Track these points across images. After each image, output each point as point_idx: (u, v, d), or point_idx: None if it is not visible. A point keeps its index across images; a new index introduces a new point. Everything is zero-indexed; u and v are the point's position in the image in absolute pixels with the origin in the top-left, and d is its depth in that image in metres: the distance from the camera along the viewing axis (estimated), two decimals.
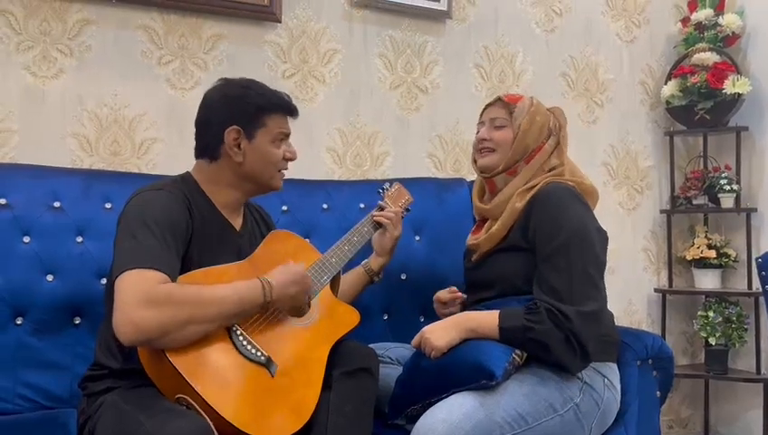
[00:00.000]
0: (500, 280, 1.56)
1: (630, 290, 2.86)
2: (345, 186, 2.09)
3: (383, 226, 1.71)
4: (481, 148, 1.65)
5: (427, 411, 1.35)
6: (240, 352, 1.27)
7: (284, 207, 1.93)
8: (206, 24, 2.10)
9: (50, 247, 1.62)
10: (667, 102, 2.85)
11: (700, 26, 2.81)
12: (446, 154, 2.49)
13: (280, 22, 2.19)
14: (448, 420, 1.30)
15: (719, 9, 2.81)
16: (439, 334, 1.44)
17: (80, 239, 1.66)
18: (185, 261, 1.33)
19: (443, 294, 1.72)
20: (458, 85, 2.51)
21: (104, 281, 1.58)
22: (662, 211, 2.92)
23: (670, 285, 2.91)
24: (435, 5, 2.42)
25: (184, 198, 1.38)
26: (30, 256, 1.60)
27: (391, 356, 1.70)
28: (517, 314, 1.43)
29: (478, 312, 1.50)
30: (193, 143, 1.48)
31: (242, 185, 1.46)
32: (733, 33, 2.77)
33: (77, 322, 1.63)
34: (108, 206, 1.70)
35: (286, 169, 1.50)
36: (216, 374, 1.23)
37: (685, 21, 2.89)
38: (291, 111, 1.49)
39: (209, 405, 1.17)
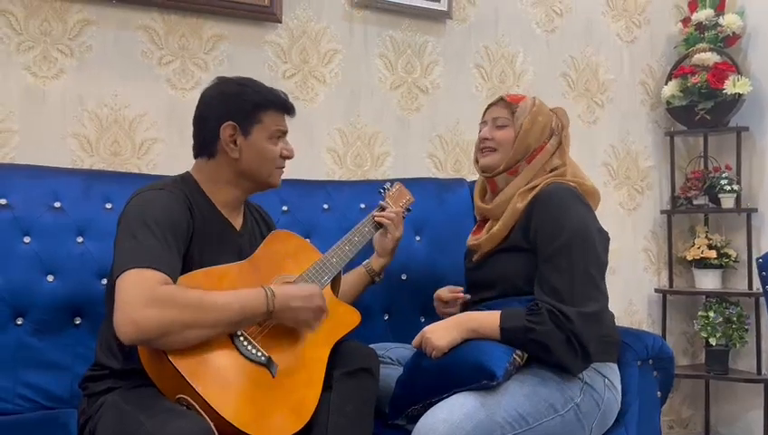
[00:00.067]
0: (501, 280, 1.56)
1: (631, 290, 2.86)
2: (345, 186, 2.09)
3: (384, 226, 1.71)
4: (483, 147, 1.65)
5: (428, 411, 1.35)
6: (241, 353, 1.27)
7: (285, 208, 1.93)
8: (206, 24, 2.10)
9: (50, 248, 1.62)
10: (668, 103, 2.85)
11: (701, 26, 2.81)
12: (446, 154, 2.49)
13: (280, 22, 2.19)
14: (449, 420, 1.30)
15: (719, 9, 2.81)
16: (440, 334, 1.44)
17: (80, 239, 1.66)
18: (186, 261, 1.33)
19: (443, 292, 1.72)
20: (459, 85, 2.51)
21: (105, 281, 1.58)
22: (662, 211, 2.92)
23: (671, 285, 2.90)
24: (435, 6, 2.42)
25: (184, 198, 1.38)
26: (30, 256, 1.60)
27: (392, 356, 1.70)
28: (518, 314, 1.43)
29: (479, 312, 1.50)
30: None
31: (240, 182, 1.45)
32: (733, 33, 2.77)
33: (77, 322, 1.63)
34: (108, 206, 1.70)
35: (284, 166, 1.50)
36: (217, 375, 1.23)
37: (685, 21, 2.89)
38: (287, 108, 1.49)
39: (210, 405, 1.17)
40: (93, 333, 1.47)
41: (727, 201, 2.74)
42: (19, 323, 1.58)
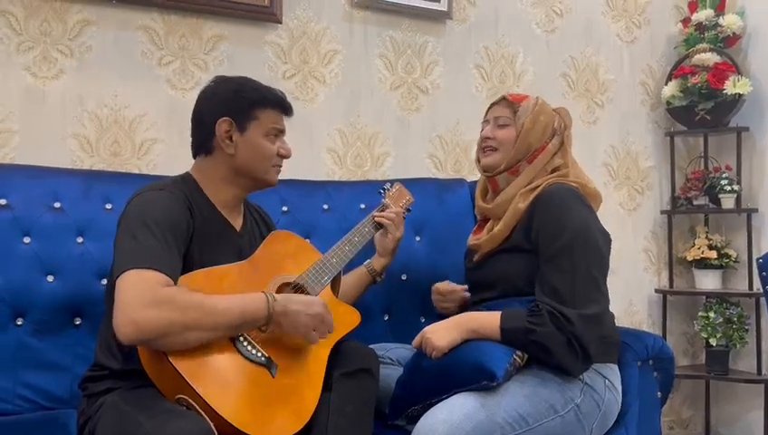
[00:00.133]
0: (502, 281, 1.56)
1: (631, 291, 2.86)
2: (345, 186, 2.09)
3: (385, 226, 1.71)
4: (484, 146, 1.65)
5: (428, 412, 1.35)
6: (241, 353, 1.27)
7: (285, 208, 1.93)
8: (206, 24, 2.10)
9: (50, 248, 1.62)
10: (668, 103, 2.85)
11: (701, 27, 2.81)
12: (446, 154, 2.49)
13: (280, 22, 2.19)
14: (449, 420, 1.30)
15: (720, 10, 2.81)
16: (441, 335, 1.44)
17: (80, 240, 1.66)
18: (185, 261, 1.33)
19: (442, 285, 1.72)
20: (459, 86, 2.51)
21: (104, 282, 1.58)
22: (663, 212, 2.92)
23: (671, 285, 2.90)
24: (435, 6, 2.42)
25: (184, 199, 1.37)
26: (30, 256, 1.60)
27: (392, 357, 1.69)
28: (519, 315, 1.43)
29: (480, 312, 1.50)
30: None
31: (237, 180, 1.45)
32: (733, 33, 2.77)
33: (77, 322, 1.63)
34: (108, 206, 1.70)
35: (281, 165, 1.50)
36: (217, 375, 1.22)
37: (685, 21, 2.89)
38: (285, 107, 1.49)
39: (210, 406, 1.16)
40: (93, 334, 1.47)
41: (727, 201, 2.74)
42: (19, 323, 1.58)
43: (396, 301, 1.98)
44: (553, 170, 1.61)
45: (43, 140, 1.89)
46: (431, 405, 1.37)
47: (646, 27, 2.92)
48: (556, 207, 1.50)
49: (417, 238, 2.05)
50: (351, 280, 1.71)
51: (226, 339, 1.27)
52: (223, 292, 1.30)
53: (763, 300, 2.59)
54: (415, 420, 1.36)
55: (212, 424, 1.13)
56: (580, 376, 1.45)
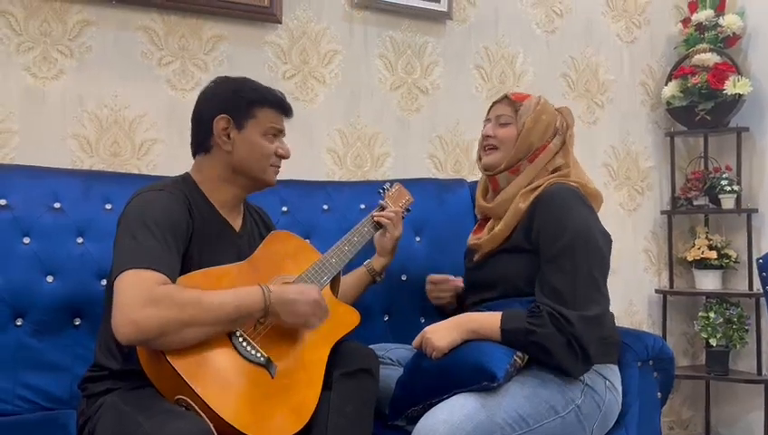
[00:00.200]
0: (502, 281, 1.55)
1: (631, 291, 2.86)
2: (345, 187, 2.09)
3: (384, 226, 1.71)
4: (485, 145, 1.64)
5: (428, 412, 1.34)
6: (240, 354, 1.27)
7: (284, 208, 1.92)
8: (206, 24, 2.10)
9: (50, 248, 1.62)
10: (668, 103, 2.84)
11: (701, 27, 2.81)
12: (446, 155, 2.49)
13: (280, 23, 2.19)
14: (449, 421, 1.30)
15: (720, 10, 2.81)
16: (441, 335, 1.44)
17: (80, 240, 1.66)
18: (185, 261, 1.33)
19: (435, 275, 1.72)
20: (459, 86, 2.51)
21: (104, 282, 1.58)
22: (663, 212, 2.92)
23: (671, 285, 2.90)
24: (435, 6, 2.42)
25: (184, 199, 1.38)
26: (30, 256, 1.60)
27: (392, 357, 1.69)
28: (519, 316, 1.42)
29: (480, 313, 1.49)
30: None
31: (235, 179, 1.45)
32: (733, 33, 2.77)
33: (77, 323, 1.63)
34: (108, 207, 1.70)
35: (279, 165, 1.50)
36: (216, 376, 1.22)
37: (685, 22, 2.89)
38: (283, 108, 1.49)
39: (209, 406, 1.16)
40: (93, 334, 1.47)
41: (727, 202, 2.74)
42: (19, 323, 1.58)
43: (396, 301, 1.98)
44: (554, 170, 1.60)
45: (43, 141, 1.89)
46: (431, 406, 1.37)
47: (646, 27, 2.92)
48: (557, 207, 1.50)
49: (417, 239, 2.05)
50: (351, 280, 1.71)
51: (225, 339, 1.27)
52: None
53: (763, 300, 2.59)
54: (415, 420, 1.36)
55: (211, 425, 1.13)
56: (581, 377, 1.45)
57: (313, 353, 1.39)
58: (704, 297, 2.82)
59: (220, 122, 1.41)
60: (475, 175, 2.24)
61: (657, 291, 2.90)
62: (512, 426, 1.35)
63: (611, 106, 2.83)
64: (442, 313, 1.80)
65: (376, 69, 2.37)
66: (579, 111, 2.75)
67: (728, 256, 2.75)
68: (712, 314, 2.66)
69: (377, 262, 1.74)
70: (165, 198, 1.35)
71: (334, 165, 2.29)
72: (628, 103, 2.88)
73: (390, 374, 1.56)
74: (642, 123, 2.91)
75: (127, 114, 1.99)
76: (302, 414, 1.29)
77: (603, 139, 2.82)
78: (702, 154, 2.91)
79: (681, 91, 2.80)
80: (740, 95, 2.67)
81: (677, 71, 2.83)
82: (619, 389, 1.53)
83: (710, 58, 2.74)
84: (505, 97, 1.65)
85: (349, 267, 1.66)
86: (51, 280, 1.61)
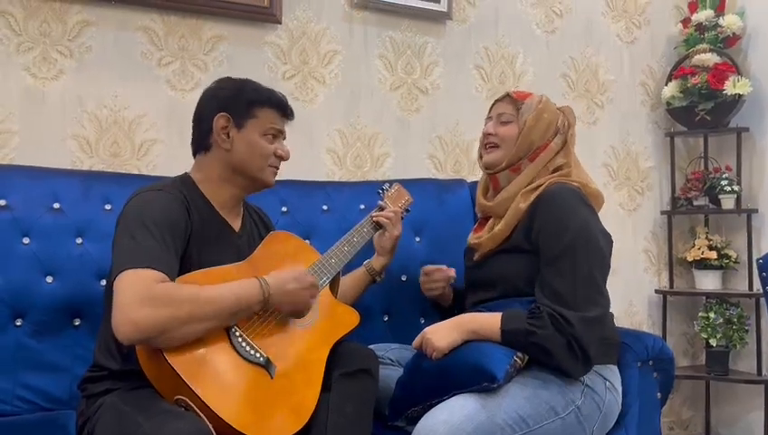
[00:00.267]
0: (502, 281, 1.55)
1: (631, 291, 2.86)
2: (345, 187, 2.09)
3: (383, 226, 1.71)
4: (486, 143, 1.64)
5: (428, 413, 1.34)
6: (239, 354, 1.27)
7: (284, 209, 1.92)
8: (206, 25, 2.10)
9: (49, 249, 1.62)
10: (668, 103, 2.84)
11: (701, 27, 2.81)
12: (446, 155, 2.49)
13: (280, 23, 2.19)
14: (449, 421, 1.30)
15: (720, 10, 2.81)
16: (441, 335, 1.44)
17: (79, 241, 1.66)
18: (184, 261, 1.33)
19: (429, 266, 1.73)
20: (458, 86, 2.51)
21: (104, 282, 1.58)
22: (663, 212, 2.92)
23: (671, 286, 2.90)
24: (435, 6, 2.42)
25: (183, 199, 1.38)
26: (29, 257, 1.60)
27: (391, 357, 1.69)
28: (520, 317, 1.42)
29: (480, 313, 1.49)
30: None
31: (234, 178, 1.45)
32: (733, 33, 2.77)
33: (76, 323, 1.63)
34: (108, 207, 1.70)
35: (278, 166, 1.50)
36: (216, 376, 1.22)
37: (685, 22, 2.89)
38: (284, 109, 1.49)
39: (208, 407, 1.16)
40: (92, 335, 1.47)
41: (727, 202, 2.74)
42: (18, 324, 1.58)
43: (396, 301, 1.98)
44: (556, 169, 1.60)
45: (43, 141, 1.89)
46: (431, 406, 1.37)
47: (646, 28, 2.92)
48: (557, 207, 1.49)
49: (417, 239, 2.05)
50: (351, 280, 1.71)
51: (225, 340, 1.27)
52: None
53: (763, 300, 2.59)
54: (415, 421, 1.35)
55: (210, 425, 1.13)
56: (581, 378, 1.45)
57: (313, 354, 1.39)
58: (704, 297, 2.82)
59: (220, 120, 1.42)
60: (475, 175, 2.24)
61: (657, 291, 2.90)
62: (512, 427, 1.34)
63: (611, 106, 2.83)
64: (438, 309, 1.81)
65: (376, 69, 2.37)
66: (579, 111, 2.74)
67: (728, 257, 2.75)
68: (712, 315, 2.66)
69: (376, 262, 1.74)
70: (163, 198, 1.35)
71: (334, 165, 2.29)
72: (628, 103, 2.88)
73: (390, 374, 1.56)
74: (642, 123, 2.91)
75: (126, 115, 1.99)
76: (301, 414, 1.29)
77: (603, 139, 2.82)
78: (702, 154, 2.91)
79: (681, 92, 2.79)
80: (740, 95, 2.67)
81: (677, 71, 2.83)
82: (619, 389, 1.53)
83: (710, 58, 2.74)
84: (507, 95, 1.64)
85: (348, 268, 1.66)
86: (50, 280, 1.61)
